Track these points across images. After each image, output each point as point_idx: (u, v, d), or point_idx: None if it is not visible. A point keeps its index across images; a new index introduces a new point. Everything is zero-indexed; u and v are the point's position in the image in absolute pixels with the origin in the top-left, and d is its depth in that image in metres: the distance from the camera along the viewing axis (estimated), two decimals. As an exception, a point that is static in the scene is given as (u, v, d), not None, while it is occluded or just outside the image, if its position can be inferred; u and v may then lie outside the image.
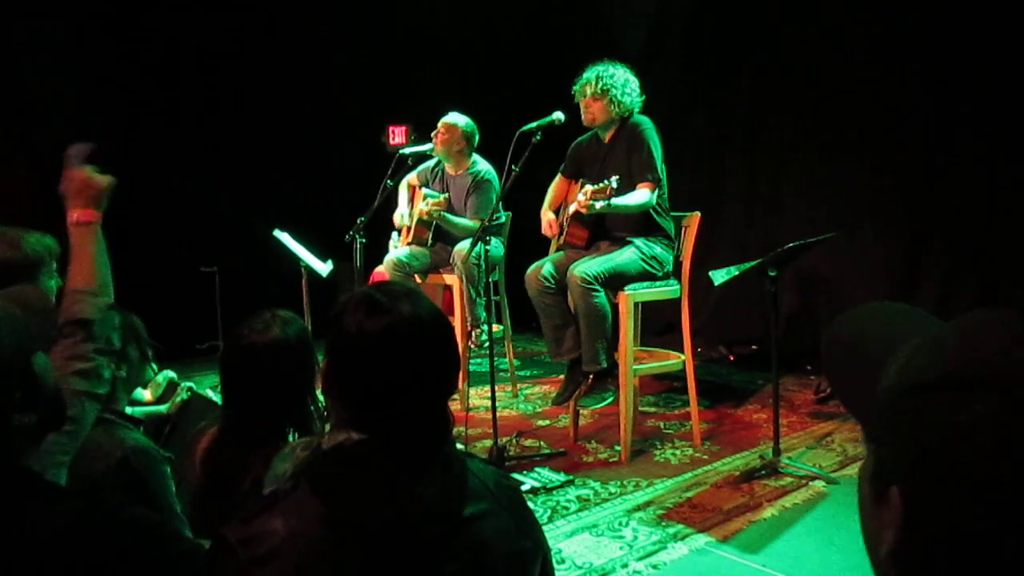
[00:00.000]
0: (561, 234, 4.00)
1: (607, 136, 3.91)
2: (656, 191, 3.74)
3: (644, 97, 3.87)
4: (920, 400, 0.59)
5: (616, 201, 3.50)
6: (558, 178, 4.14)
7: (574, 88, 3.85)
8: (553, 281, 3.74)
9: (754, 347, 5.56)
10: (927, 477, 0.58)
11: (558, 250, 4.03)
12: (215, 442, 1.79)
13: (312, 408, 1.86)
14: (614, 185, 3.43)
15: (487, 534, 1.21)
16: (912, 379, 0.61)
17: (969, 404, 0.56)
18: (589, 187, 3.53)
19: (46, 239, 2.65)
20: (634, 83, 3.83)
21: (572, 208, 3.84)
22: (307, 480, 1.17)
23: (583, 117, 3.86)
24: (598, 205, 3.44)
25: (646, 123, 3.81)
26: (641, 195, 3.69)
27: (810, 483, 3.39)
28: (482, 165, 4.72)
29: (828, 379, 0.78)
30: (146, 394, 2.80)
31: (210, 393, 2.89)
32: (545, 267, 3.80)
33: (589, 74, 3.80)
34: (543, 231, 4.10)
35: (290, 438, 1.82)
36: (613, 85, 3.75)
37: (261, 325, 1.84)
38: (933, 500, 0.58)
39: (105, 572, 1.13)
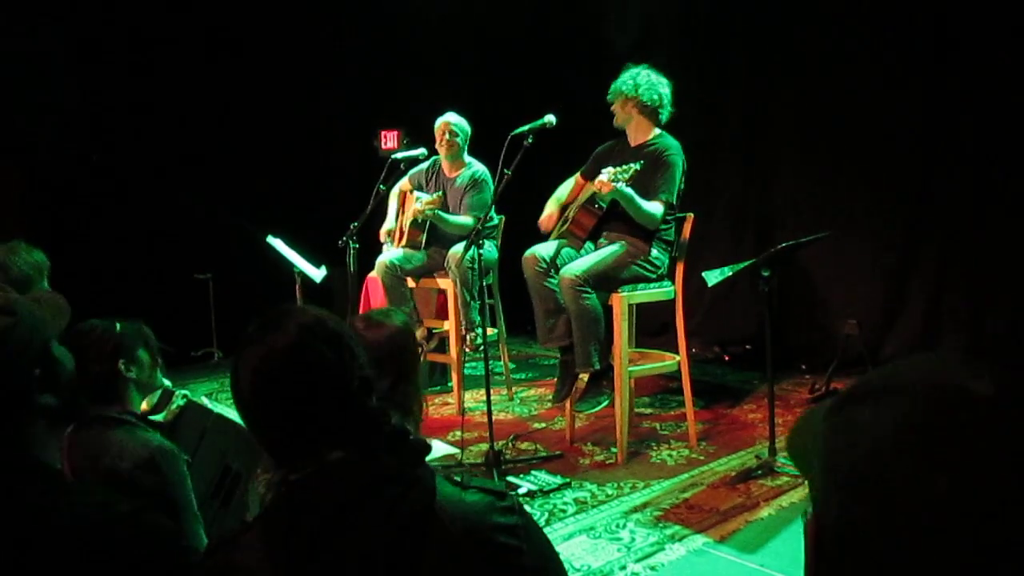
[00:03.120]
0: (565, 223, 4.01)
1: (635, 140, 3.94)
2: (665, 212, 3.76)
3: (672, 84, 3.93)
4: (824, 424, 0.61)
5: (631, 191, 3.56)
6: (576, 177, 4.16)
7: (608, 98, 3.93)
8: (549, 265, 3.76)
9: (748, 347, 5.56)
10: (825, 490, 0.59)
11: (559, 238, 4.03)
12: None
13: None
14: (637, 167, 3.48)
15: None
16: (827, 408, 0.63)
17: (859, 414, 0.57)
18: (611, 168, 3.57)
19: (35, 254, 2.65)
20: (656, 81, 3.87)
21: (585, 195, 3.89)
22: (262, 523, 1.14)
23: (614, 121, 3.95)
24: (617, 185, 3.48)
25: (675, 147, 3.85)
26: (653, 206, 3.71)
27: (806, 482, 3.39)
28: (478, 166, 4.75)
29: (794, 463, 0.80)
30: (142, 404, 2.79)
31: (205, 400, 2.88)
32: (543, 250, 3.81)
33: (615, 85, 3.88)
34: (540, 220, 4.11)
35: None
36: (638, 95, 3.82)
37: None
38: (831, 511, 0.58)
39: (114, 567, 1.15)
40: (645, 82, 3.84)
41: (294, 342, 1.15)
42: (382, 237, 4.96)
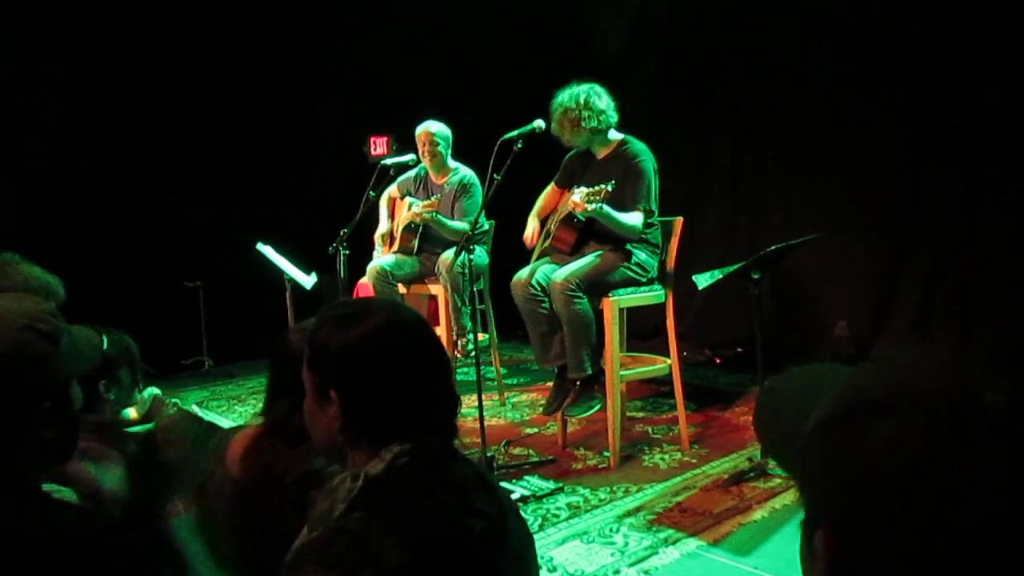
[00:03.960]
0: (547, 238, 4.01)
1: (601, 153, 3.91)
2: (645, 220, 3.74)
3: (616, 103, 3.86)
4: (829, 433, 0.59)
5: (608, 209, 3.54)
6: (551, 187, 4.14)
7: (552, 128, 3.85)
8: (539, 288, 3.75)
9: (739, 349, 5.58)
10: (844, 509, 0.57)
11: (543, 255, 4.03)
12: (256, 440, 1.77)
13: None
14: (608, 188, 3.46)
15: (518, 540, 1.27)
16: (822, 416, 0.61)
17: (874, 428, 0.55)
18: (584, 188, 3.54)
19: (34, 269, 2.61)
20: (597, 97, 3.78)
21: (563, 211, 3.86)
22: (373, 510, 1.16)
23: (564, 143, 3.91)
24: (591, 207, 3.46)
25: (643, 152, 3.81)
26: (633, 217, 3.70)
27: (800, 489, 3.39)
28: (464, 170, 4.74)
29: (761, 441, 0.79)
30: (131, 412, 2.77)
31: (196, 409, 2.87)
32: (530, 274, 3.80)
33: (554, 107, 3.82)
34: (524, 237, 4.11)
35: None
36: (584, 127, 3.76)
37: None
38: (854, 533, 0.56)
39: None
40: (583, 110, 3.74)
41: (412, 319, 1.36)
42: (376, 241, 4.95)
